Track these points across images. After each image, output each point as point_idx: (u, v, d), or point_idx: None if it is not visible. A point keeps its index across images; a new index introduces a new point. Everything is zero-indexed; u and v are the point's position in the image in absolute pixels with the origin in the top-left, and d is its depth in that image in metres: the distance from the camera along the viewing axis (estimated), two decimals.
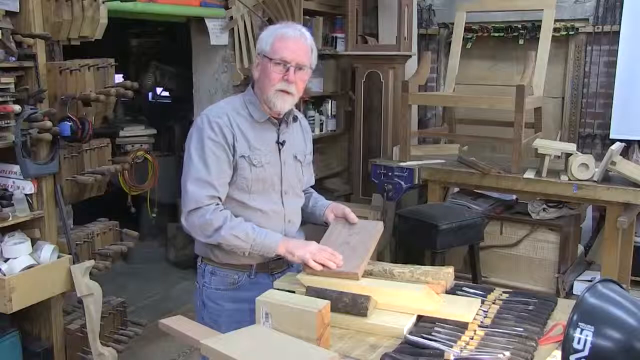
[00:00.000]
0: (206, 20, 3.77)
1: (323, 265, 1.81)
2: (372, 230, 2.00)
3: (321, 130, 4.77)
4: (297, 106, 4.18)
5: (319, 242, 1.93)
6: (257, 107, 1.95)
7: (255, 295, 1.81)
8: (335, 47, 4.81)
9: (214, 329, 1.80)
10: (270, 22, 3.97)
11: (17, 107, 2.41)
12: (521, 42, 4.43)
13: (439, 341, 1.57)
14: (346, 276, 1.79)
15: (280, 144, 1.99)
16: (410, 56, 4.41)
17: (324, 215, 2.11)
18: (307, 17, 4.38)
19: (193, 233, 1.92)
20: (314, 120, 4.66)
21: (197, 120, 1.95)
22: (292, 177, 2.03)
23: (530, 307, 1.80)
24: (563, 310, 1.80)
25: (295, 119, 2.07)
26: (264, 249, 1.89)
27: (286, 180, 2.00)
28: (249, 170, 1.91)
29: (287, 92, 1.91)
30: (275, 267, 2.02)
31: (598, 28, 4.20)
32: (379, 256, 4.06)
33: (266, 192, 1.96)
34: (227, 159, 1.88)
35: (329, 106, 4.86)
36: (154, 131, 4.80)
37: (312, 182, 2.24)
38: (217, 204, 1.88)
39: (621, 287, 1.42)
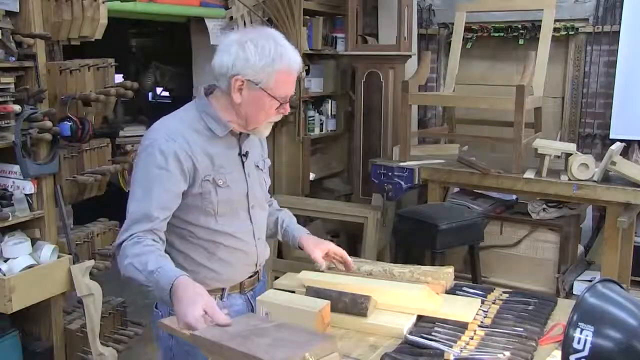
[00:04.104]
0: (206, 20, 3.77)
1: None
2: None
3: (321, 130, 4.77)
4: (297, 106, 4.22)
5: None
6: (217, 120, 1.73)
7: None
8: (335, 47, 4.81)
9: (188, 358, 1.72)
10: (270, 22, 3.97)
11: (17, 107, 2.42)
12: (521, 42, 4.43)
13: (439, 341, 1.57)
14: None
15: (243, 156, 1.80)
16: (410, 56, 4.41)
17: (298, 242, 1.97)
18: (307, 17, 4.37)
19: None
20: (314, 120, 4.66)
21: (146, 142, 1.67)
22: (257, 189, 1.86)
23: (530, 307, 1.80)
24: (563, 310, 1.80)
25: None
26: (159, 289, 1.53)
27: (252, 194, 1.82)
28: (214, 193, 1.71)
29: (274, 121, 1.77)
30: (247, 285, 1.88)
31: (598, 28, 4.19)
32: (378, 256, 4.06)
33: (234, 212, 1.77)
34: (175, 190, 1.65)
35: (329, 106, 4.85)
36: None
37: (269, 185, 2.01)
38: (148, 233, 1.62)
39: (621, 287, 1.42)
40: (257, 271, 1.92)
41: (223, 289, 1.82)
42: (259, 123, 1.74)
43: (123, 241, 1.62)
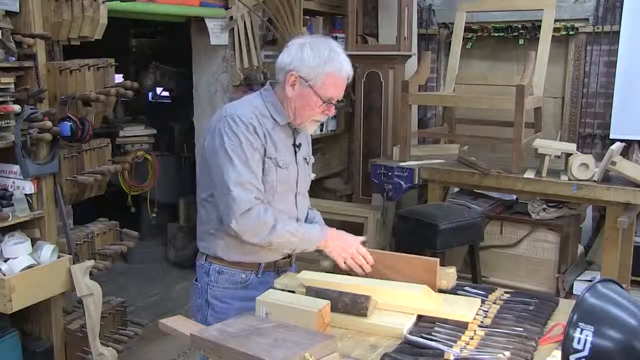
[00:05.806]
0: (206, 20, 3.77)
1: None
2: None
3: (321, 130, 4.76)
4: None
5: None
6: (279, 110, 1.94)
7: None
8: None
9: None
10: (270, 22, 3.97)
11: (17, 107, 2.41)
12: (521, 42, 4.43)
13: (439, 341, 1.57)
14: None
15: (296, 146, 2.00)
16: (410, 56, 4.41)
17: None
18: (307, 17, 4.37)
19: (245, 235, 1.85)
20: None
21: (227, 120, 1.87)
22: (303, 179, 2.06)
23: (531, 307, 1.80)
24: (563, 310, 1.80)
25: None
26: (310, 243, 1.95)
27: (300, 182, 2.03)
28: (275, 172, 1.91)
29: (320, 120, 1.98)
30: (282, 265, 2.05)
31: (598, 28, 4.20)
32: None
33: (285, 194, 1.97)
34: (261, 160, 1.88)
35: None
36: (154, 131, 4.80)
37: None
38: (264, 203, 1.88)
39: (621, 287, 1.42)
40: (291, 254, 2.08)
41: (259, 265, 1.99)
42: (303, 119, 1.93)
43: (245, 211, 1.81)
